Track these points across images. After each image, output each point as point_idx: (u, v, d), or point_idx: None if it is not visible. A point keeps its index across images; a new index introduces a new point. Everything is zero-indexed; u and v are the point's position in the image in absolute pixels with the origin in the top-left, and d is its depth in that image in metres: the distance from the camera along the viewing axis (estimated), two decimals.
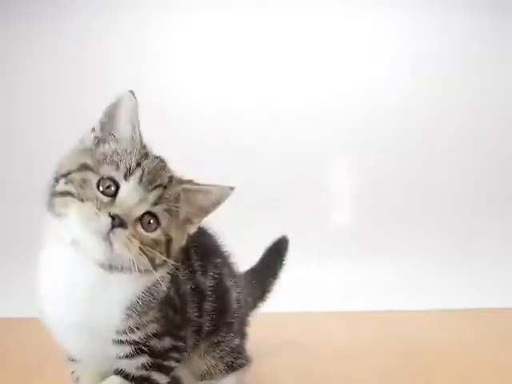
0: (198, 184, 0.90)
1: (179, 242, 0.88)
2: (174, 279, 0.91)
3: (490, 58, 2.52)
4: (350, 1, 2.48)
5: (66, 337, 0.89)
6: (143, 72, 2.38)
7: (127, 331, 0.85)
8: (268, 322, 1.68)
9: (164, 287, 0.87)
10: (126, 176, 0.81)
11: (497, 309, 1.89)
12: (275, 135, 2.41)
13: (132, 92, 0.84)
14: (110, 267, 0.80)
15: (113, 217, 0.77)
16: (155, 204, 0.82)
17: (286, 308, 1.83)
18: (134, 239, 0.78)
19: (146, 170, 0.82)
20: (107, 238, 0.77)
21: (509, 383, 1.26)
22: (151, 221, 0.82)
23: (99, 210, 0.77)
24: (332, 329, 1.69)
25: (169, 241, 0.85)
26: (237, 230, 1.99)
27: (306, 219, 2.36)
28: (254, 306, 1.26)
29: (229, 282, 1.05)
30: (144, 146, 0.87)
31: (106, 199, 0.79)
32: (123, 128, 0.85)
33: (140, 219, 0.81)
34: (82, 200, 0.79)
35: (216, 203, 0.89)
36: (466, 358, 1.40)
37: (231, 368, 1.04)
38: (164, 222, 0.83)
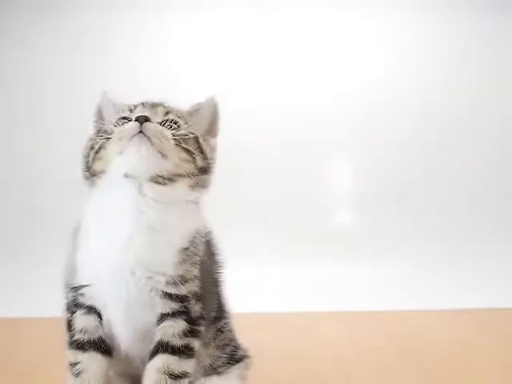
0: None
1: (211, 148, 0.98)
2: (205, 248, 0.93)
3: (490, 58, 2.52)
4: (351, 1, 2.48)
5: (114, 287, 0.86)
6: (143, 72, 2.38)
7: (177, 281, 0.85)
8: (268, 322, 1.70)
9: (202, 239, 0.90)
10: (131, 110, 0.89)
11: (497, 309, 1.88)
12: (275, 135, 2.41)
13: (104, 92, 0.95)
14: (160, 177, 0.84)
15: (136, 119, 0.83)
16: (166, 114, 0.90)
17: (286, 308, 1.84)
18: (163, 127, 0.85)
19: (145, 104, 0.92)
20: (142, 138, 0.81)
21: (509, 383, 1.26)
22: (172, 126, 0.87)
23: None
24: (332, 329, 1.68)
25: (197, 140, 0.91)
26: (237, 230, 2.01)
27: (306, 219, 2.36)
28: None
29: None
30: None
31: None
32: (111, 114, 0.92)
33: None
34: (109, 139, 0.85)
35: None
36: (466, 358, 1.40)
37: (233, 359, 1.02)
38: (184, 127, 0.89)
